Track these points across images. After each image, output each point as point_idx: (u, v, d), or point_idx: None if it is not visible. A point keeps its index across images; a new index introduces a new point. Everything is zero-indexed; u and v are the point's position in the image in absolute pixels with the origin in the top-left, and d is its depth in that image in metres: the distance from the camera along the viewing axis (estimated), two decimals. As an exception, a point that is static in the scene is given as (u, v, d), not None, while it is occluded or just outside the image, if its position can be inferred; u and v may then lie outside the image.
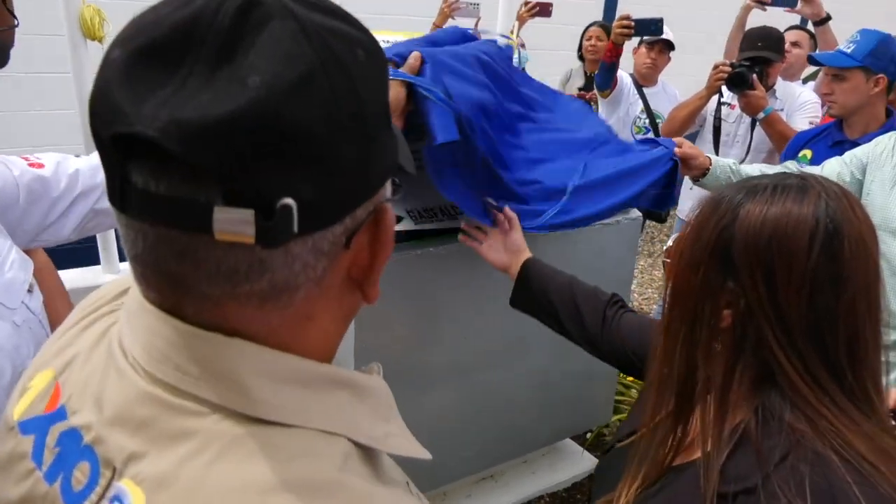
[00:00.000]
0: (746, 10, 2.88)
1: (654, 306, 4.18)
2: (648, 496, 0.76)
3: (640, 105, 3.24)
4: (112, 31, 2.18)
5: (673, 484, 0.75)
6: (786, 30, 3.06)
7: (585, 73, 3.96)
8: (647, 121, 3.24)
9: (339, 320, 0.50)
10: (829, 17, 2.72)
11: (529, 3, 3.45)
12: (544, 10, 3.48)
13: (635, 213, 1.94)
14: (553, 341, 1.88)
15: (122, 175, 0.39)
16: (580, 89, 3.95)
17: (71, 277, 1.87)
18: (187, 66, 0.38)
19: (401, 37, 2.21)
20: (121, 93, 0.38)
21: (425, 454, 0.51)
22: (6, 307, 0.86)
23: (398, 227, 1.51)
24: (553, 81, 4.70)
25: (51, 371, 0.51)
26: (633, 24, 2.76)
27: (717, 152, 2.79)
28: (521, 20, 3.39)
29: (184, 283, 0.42)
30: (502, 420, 1.88)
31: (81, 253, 1.92)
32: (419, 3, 4.58)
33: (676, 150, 1.76)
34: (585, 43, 3.92)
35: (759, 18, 3.16)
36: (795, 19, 2.95)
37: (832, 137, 2.20)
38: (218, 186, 0.37)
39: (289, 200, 0.38)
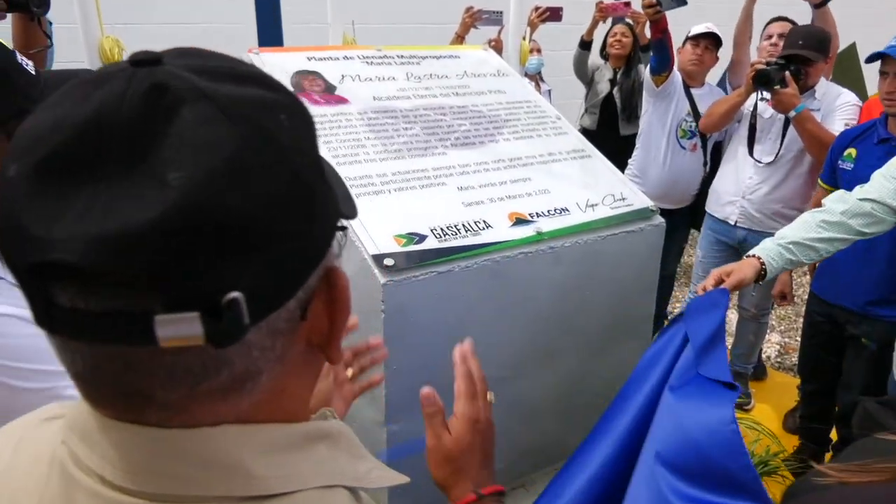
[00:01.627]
0: (751, 2, 2.87)
1: (679, 306, 4.15)
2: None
3: (687, 107, 3.15)
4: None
5: None
6: (770, 21, 3.01)
7: (612, 69, 3.96)
8: (694, 124, 3.14)
9: (309, 382, 0.50)
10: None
11: (540, 8, 3.45)
12: (555, 15, 3.48)
13: (658, 218, 1.93)
14: (580, 348, 1.89)
15: (45, 298, 0.35)
16: (609, 80, 3.95)
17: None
18: (98, 174, 0.34)
19: (416, 51, 2.22)
20: (28, 215, 0.34)
21: (403, 479, 0.52)
22: None
23: (424, 246, 1.52)
24: (565, 83, 4.70)
25: None
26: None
27: (751, 150, 2.78)
28: (533, 25, 3.40)
29: (139, 394, 0.39)
30: (533, 430, 1.88)
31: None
32: (434, 11, 4.59)
33: (727, 285, 1.57)
34: (610, 40, 3.91)
35: (771, 9, 3.13)
36: (805, 8, 2.90)
37: (877, 135, 2.17)
38: (154, 294, 0.34)
39: (235, 294, 0.35)
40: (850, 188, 2.22)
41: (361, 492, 0.49)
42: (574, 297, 1.79)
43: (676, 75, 3.14)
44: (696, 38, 3.10)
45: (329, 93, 1.90)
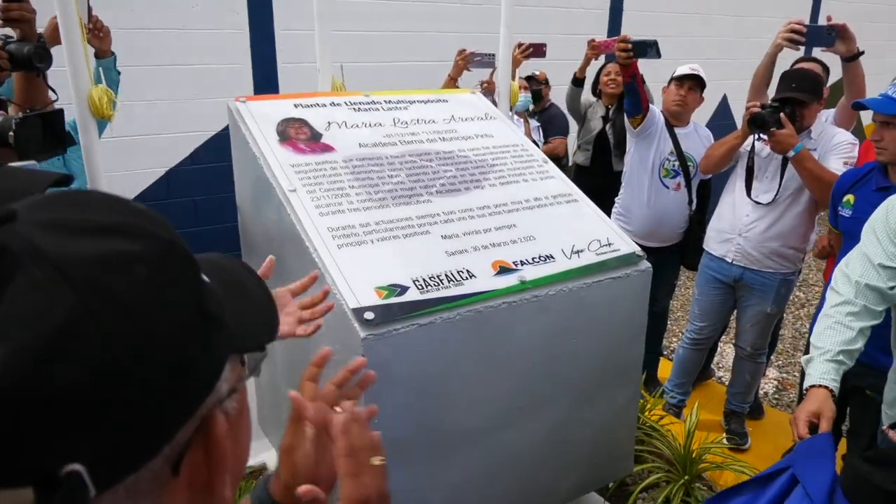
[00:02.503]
0: (777, 49, 2.81)
1: (676, 341, 4.12)
2: None
3: (670, 146, 3.18)
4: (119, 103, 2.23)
5: None
6: (797, 61, 3.03)
7: (605, 106, 4.01)
8: (678, 163, 3.17)
9: None
10: (861, 53, 2.69)
11: (523, 44, 3.49)
12: (538, 51, 3.53)
13: (645, 264, 1.92)
14: (568, 396, 1.86)
15: None
16: (603, 117, 3.99)
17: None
18: None
19: (404, 95, 2.24)
20: None
21: None
22: None
23: (406, 298, 1.51)
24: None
25: None
26: (630, 45, 2.80)
27: (748, 190, 2.79)
28: (516, 62, 3.42)
29: None
30: (523, 480, 1.84)
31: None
32: (427, 51, 4.66)
33: (824, 429, 1.54)
34: (604, 78, 3.97)
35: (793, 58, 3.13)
36: (827, 57, 2.91)
37: (876, 182, 2.18)
38: None
39: (75, 466, 0.33)
40: (848, 234, 2.22)
41: None
42: (560, 345, 1.78)
43: (657, 116, 3.16)
44: (681, 80, 3.13)
45: (315, 141, 1.91)
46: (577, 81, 4.06)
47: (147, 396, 0.36)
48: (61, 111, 2.01)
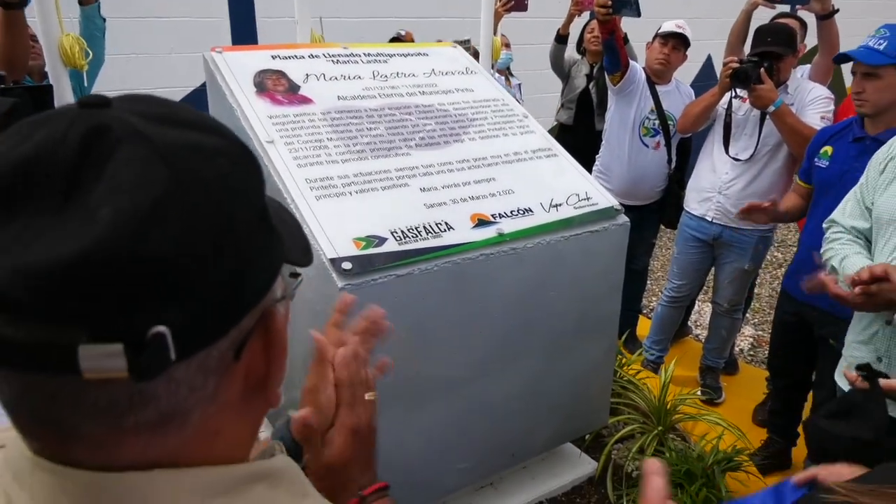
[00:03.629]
0: (752, 6, 2.82)
1: (656, 300, 4.18)
2: None
3: (651, 104, 3.16)
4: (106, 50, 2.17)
5: None
6: (774, 17, 3.03)
7: (589, 64, 3.97)
8: (658, 122, 3.16)
9: (249, 424, 0.49)
10: (836, 11, 2.68)
11: None
12: (520, 4, 3.49)
13: (622, 217, 1.94)
14: (544, 348, 1.90)
15: None
16: (587, 75, 3.96)
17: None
18: (31, 206, 0.35)
19: (384, 49, 2.21)
20: None
21: None
22: None
23: (384, 249, 1.52)
24: (539, 76, 4.70)
25: None
26: (609, 1, 2.78)
27: (726, 148, 2.80)
28: (497, 16, 3.37)
29: (64, 426, 0.39)
30: (498, 430, 1.89)
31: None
32: (410, 6, 4.57)
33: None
34: (588, 35, 3.92)
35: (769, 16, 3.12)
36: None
37: (853, 133, 2.20)
38: (78, 326, 0.35)
39: (160, 329, 0.36)
40: (823, 185, 2.25)
41: None
42: (537, 297, 1.80)
43: (638, 73, 3.14)
44: (665, 37, 3.11)
45: (292, 92, 1.89)
46: (561, 38, 4.01)
47: (224, 275, 0.39)
48: (51, 87, 1.95)
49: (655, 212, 3.31)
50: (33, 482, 0.41)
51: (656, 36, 3.16)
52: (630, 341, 3.44)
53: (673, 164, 3.23)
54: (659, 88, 3.17)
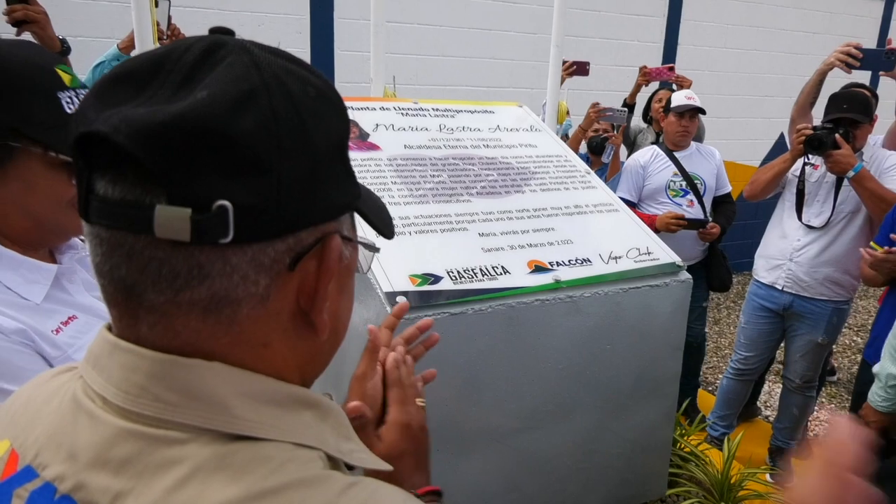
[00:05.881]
0: (828, 67, 2.75)
1: (721, 376, 3.99)
2: None
3: (674, 169, 3.23)
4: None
5: None
6: (845, 86, 2.98)
7: (655, 132, 4.02)
8: (684, 182, 3.22)
9: (301, 356, 0.51)
10: None
11: (567, 62, 3.55)
12: (582, 69, 3.59)
13: (684, 274, 1.89)
14: (600, 404, 1.83)
15: (86, 186, 0.43)
16: (653, 143, 4.00)
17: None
18: (152, 88, 0.43)
19: (452, 105, 2.29)
20: (90, 106, 0.43)
21: (386, 466, 0.55)
22: None
23: (439, 287, 1.53)
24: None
25: (6, 442, 0.52)
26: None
27: (799, 215, 2.73)
28: (560, 79, 3.48)
29: (133, 290, 0.44)
30: (548, 487, 1.81)
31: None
32: (482, 76, 4.75)
33: None
34: (655, 105, 3.99)
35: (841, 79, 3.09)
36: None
37: None
38: (162, 187, 0.40)
39: (224, 202, 0.41)
40: None
41: (344, 467, 0.51)
42: (594, 349, 1.76)
43: (655, 155, 3.27)
44: (681, 112, 3.19)
45: (362, 140, 1.97)
46: (628, 107, 4.08)
47: (292, 175, 0.44)
48: None
49: (702, 275, 3.25)
50: (110, 363, 0.46)
51: (671, 111, 3.22)
52: (690, 411, 3.29)
53: (709, 222, 3.23)
54: (681, 154, 3.26)
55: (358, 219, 0.57)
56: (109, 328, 0.49)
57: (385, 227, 0.57)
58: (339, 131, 0.50)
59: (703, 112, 3.24)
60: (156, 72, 0.43)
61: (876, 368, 2.00)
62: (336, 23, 4.30)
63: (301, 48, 4.23)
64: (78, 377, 0.50)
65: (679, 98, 3.20)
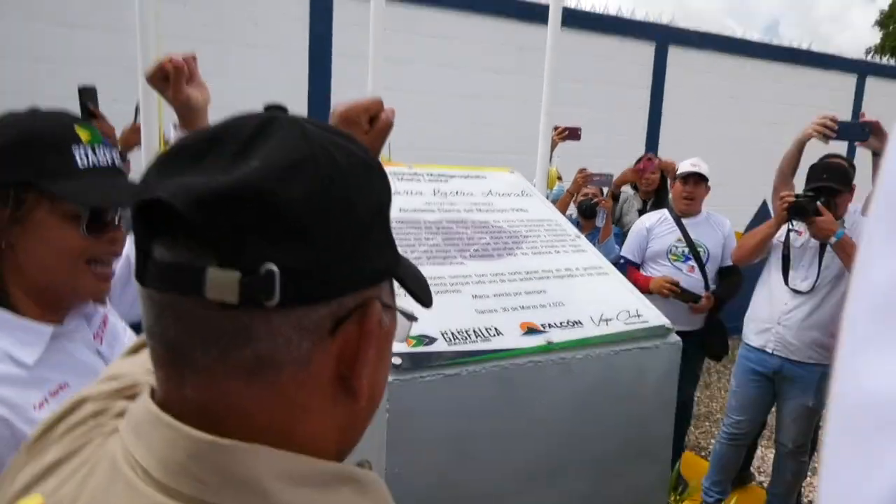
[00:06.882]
0: (806, 137, 2.86)
1: (712, 440, 3.96)
2: None
3: (678, 234, 3.31)
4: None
5: None
6: (823, 157, 3.09)
7: (642, 200, 4.13)
8: (687, 249, 3.29)
9: (340, 423, 0.52)
10: None
11: (559, 127, 3.69)
12: (573, 135, 3.73)
13: (674, 336, 1.92)
14: (592, 468, 1.83)
15: (145, 250, 0.46)
16: (638, 211, 4.10)
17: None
18: (211, 159, 0.46)
19: (446, 170, 2.37)
20: (153, 175, 0.47)
21: None
22: None
23: (434, 348, 1.55)
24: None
25: (38, 497, 0.52)
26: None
27: (786, 280, 2.80)
28: (553, 144, 3.61)
29: (181, 351, 0.46)
30: (542, 555, 1.78)
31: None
32: (472, 144, 4.89)
33: None
34: (642, 179, 4.12)
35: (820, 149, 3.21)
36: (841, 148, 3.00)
37: None
38: (213, 251, 0.43)
39: (272, 266, 0.43)
40: None
41: None
42: (586, 411, 1.77)
43: (662, 219, 3.36)
44: (685, 178, 3.31)
45: (358, 203, 2.02)
46: (614, 197, 4.21)
47: (338, 240, 0.47)
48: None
49: (699, 343, 3.28)
50: (152, 434, 0.47)
51: (677, 178, 3.34)
52: (678, 481, 3.25)
53: (710, 290, 3.26)
54: (687, 221, 3.34)
55: (398, 288, 0.59)
56: (152, 393, 0.50)
57: (424, 294, 0.59)
58: (381, 200, 0.53)
59: (706, 178, 3.33)
60: (213, 144, 0.47)
61: None
62: (333, 91, 4.44)
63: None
64: (116, 435, 0.51)
65: (684, 164, 3.33)
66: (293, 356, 0.46)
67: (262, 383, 0.46)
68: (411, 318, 0.59)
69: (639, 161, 4.07)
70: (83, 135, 0.92)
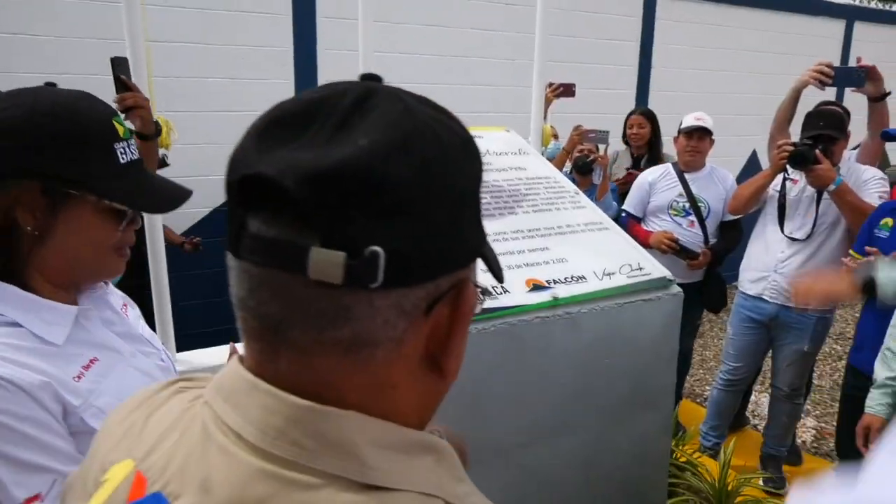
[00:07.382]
0: (802, 85, 2.85)
1: (708, 388, 4.05)
2: None
3: (680, 189, 3.30)
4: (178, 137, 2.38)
5: None
6: (819, 104, 3.09)
7: (632, 154, 4.11)
8: (688, 204, 3.28)
9: (423, 397, 0.52)
10: (888, 94, 2.76)
11: (553, 84, 3.64)
12: (568, 91, 3.68)
13: (675, 288, 1.96)
14: (599, 418, 1.88)
15: (240, 223, 0.45)
16: (628, 169, 4.08)
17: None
18: (311, 131, 0.44)
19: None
20: (252, 148, 0.45)
21: None
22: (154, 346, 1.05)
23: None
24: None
25: (129, 461, 0.52)
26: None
27: (782, 229, 2.83)
28: (547, 101, 3.56)
29: (279, 328, 0.45)
30: (550, 500, 1.85)
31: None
32: (463, 103, 4.84)
33: None
34: (628, 130, 4.08)
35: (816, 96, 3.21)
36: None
37: None
38: (317, 230, 0.42)
39: (377, 248, 0.42)
40: (885, 253, 2.24)
41: None
42: (593, 364, 1.81)
43: (666, 173, 3.36)
44: (689, 132, 3.26)
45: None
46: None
47: (442, 222, 0.46)
48: None
49: (697, 291, 3.31)
50: (249, 402, 0.47)
51: (680, 132, 3.31)
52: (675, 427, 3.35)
53: (709, 244, 3.27)
54: (692, 175, 3.31)
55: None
56: (241, 360, 0.50)
57: (500, 270, 0.58)
58: (476, 177, 0.51)
59: (710, 132, 3.29)
60: (313, 116, 0.45)
61: (880, 373, 2.05)
62: (319, 53, 4.37)
63: (286, 79, 4.29)
64: (203, 403, 0.51)
65: (688, 119, 3.28)
66: (389, 336, 0.46)
67: (356, 361, 0.46)
68: (486, 293, 0.57)
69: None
70: (120, 130, 0.93)
